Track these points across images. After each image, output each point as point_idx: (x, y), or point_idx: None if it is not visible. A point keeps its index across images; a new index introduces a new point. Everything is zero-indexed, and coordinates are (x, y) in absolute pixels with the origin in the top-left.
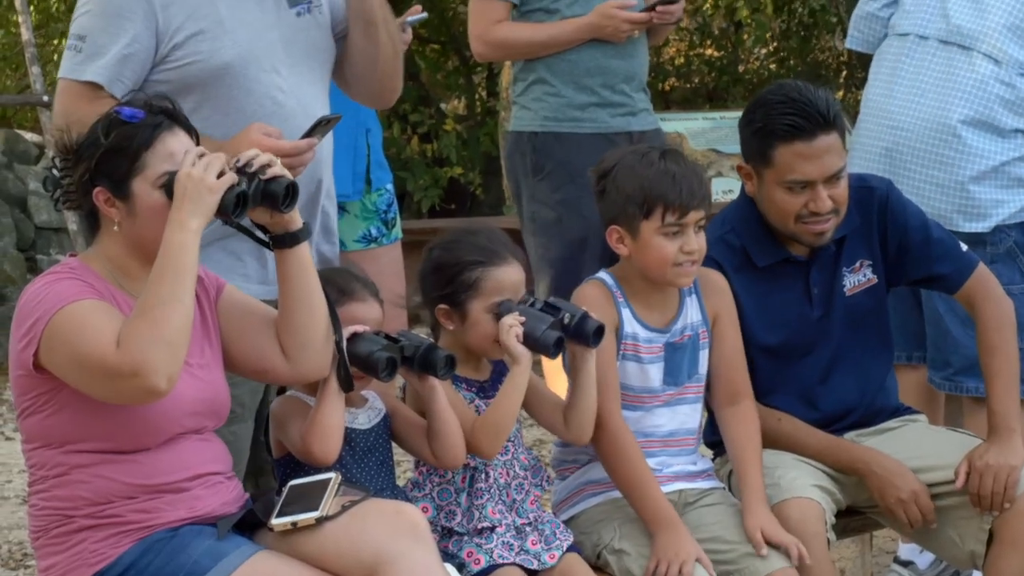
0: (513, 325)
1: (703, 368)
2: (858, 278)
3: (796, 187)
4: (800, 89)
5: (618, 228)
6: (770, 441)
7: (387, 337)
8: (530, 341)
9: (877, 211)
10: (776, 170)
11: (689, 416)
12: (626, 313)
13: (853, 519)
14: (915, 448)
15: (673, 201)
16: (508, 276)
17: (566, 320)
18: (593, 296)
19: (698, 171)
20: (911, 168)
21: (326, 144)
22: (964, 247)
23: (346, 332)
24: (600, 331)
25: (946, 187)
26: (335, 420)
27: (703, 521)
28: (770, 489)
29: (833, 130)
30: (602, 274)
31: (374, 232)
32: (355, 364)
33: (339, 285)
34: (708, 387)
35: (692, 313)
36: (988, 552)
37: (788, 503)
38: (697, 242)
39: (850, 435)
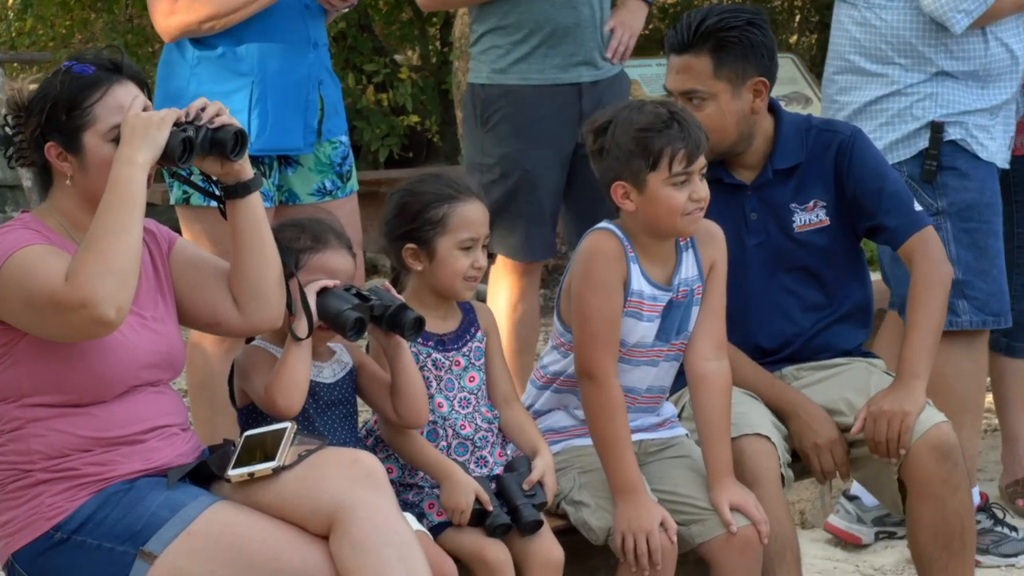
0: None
1: (692, 325)
2: (810, 217)
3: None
4: (705, 10)
5: (623, 184)
6: None
7: (358, 295)
8: (329, 318)
9: (835, 154)
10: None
11: (667, 373)
12: (634, 269)
13: None
14: (844, 391)
15: (679, 149)
16: (474, 212)
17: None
18: (607, 248)
19: (695, 119)
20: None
21: None
22: (918, 207)
23: (317, 285)
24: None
25: None
26: (300, 372)
27: (666, 474)
28: None
29: (699, 53)
30: (610, 225)
31: (328, 185)
32: (323, 320)
33: (313, 233)
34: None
35: (689, 268)
36: (906, 504)
37: (741, 440)
38: (703, 189)
39: (789, 369)
